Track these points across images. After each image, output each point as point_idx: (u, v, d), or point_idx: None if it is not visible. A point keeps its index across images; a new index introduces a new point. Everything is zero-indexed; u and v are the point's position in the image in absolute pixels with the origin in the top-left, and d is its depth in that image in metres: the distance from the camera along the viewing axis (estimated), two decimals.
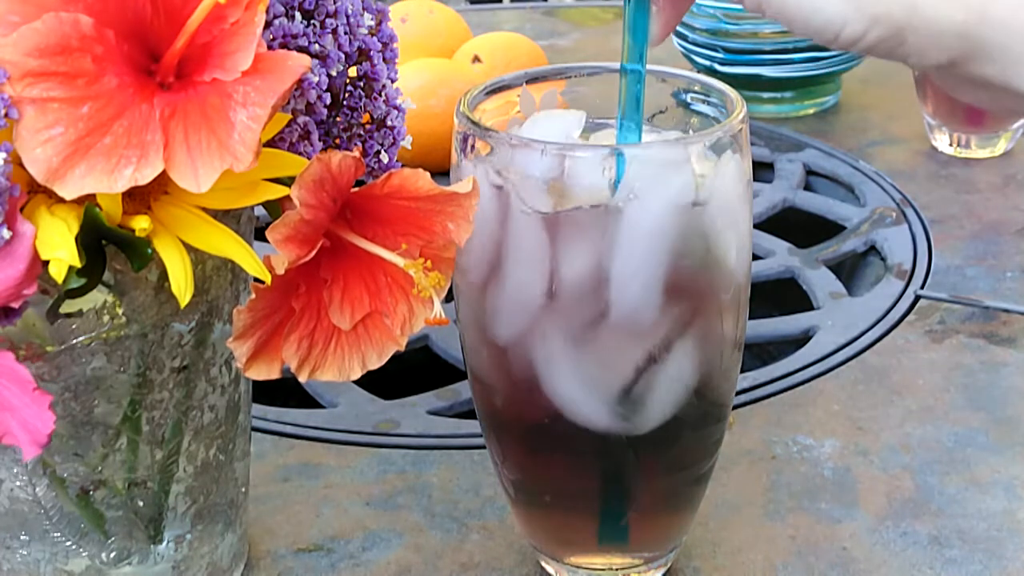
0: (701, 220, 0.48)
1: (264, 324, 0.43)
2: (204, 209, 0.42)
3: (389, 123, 0.48)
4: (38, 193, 0.39)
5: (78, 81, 0.37)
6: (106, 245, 0.41)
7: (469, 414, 0.68)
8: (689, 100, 0.53)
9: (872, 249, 0.87)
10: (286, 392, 0.69)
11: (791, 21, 0.45)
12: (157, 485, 0.49)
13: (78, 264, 0.38)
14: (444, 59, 1.03)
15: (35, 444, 0.38)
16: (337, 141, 0.47)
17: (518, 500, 0.55)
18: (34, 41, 0.37)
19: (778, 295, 0.84)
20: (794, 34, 0.46)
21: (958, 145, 0.99)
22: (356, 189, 0.43)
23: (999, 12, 0.43)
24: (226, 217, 0.45)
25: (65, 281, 0.38)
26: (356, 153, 0.42)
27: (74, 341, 0.44)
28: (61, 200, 0.39)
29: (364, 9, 0.47)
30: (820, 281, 0.82)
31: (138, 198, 0.41)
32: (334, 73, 0.45)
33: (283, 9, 0.44)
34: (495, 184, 0.48)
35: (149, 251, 0.41)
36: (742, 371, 0.58)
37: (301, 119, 0.44)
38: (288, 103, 0.44)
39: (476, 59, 1.03)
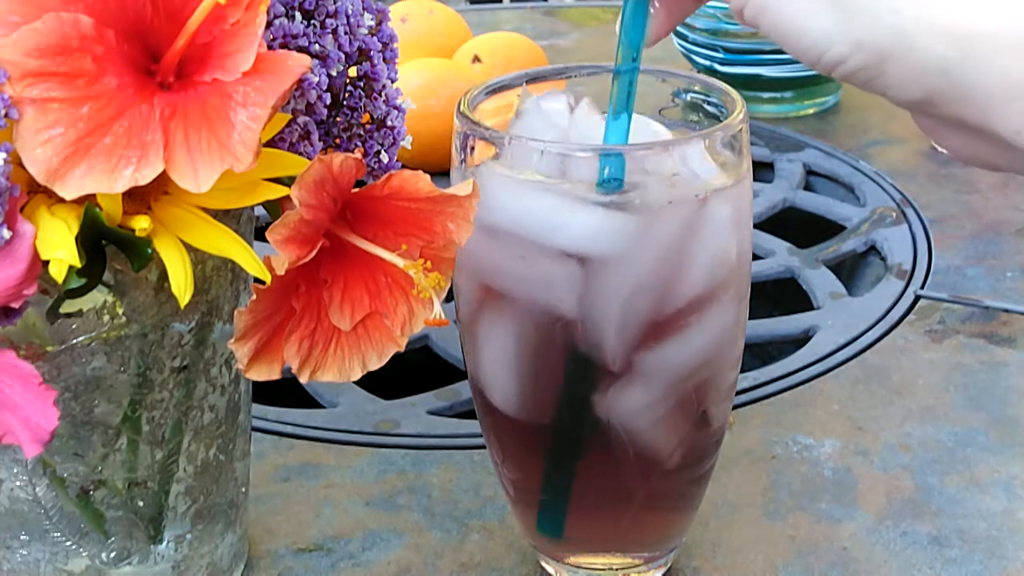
0: (701, 220, 0.48)
1: (265, 325, 0.43)
2: (204, 209, 0.42)
3: (389, 123, 0.48)
4: (38, 193, 0.39)
5: (78, 81, 0.37)
6: (106, 245, 0.41)
7: (469, 414, 0.68)
8: (689, 100, 0.53)
9: (872, 249, 0.87)
10: (286, 392, 0.69)
11: (782, 38, 0.45)
12: (157, 485, 0.49)
13: (78, 264, 0.38)
14: (444, 59, 1.02)
15: (37, 441, 0.38)
16: (337, 141, 0.47)
17: (518, 500, 0.55)
18: (34, 41, 0.37)
19: (778, 295, 0.84)
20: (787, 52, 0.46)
21: None
22: (356, 190, 0.43)
23: (983, 52, 0.42)
24: (226, 217, 0.45)
25: (65, 281, 0.38)
26: (357, 154, 0.42)
27: (74, 341, 0.44)
28: (61, 200, 0.39)
29: (364, 9, 0.47)
30: (820, 281, 0.82)
31: (138, 198, 0.41)
32: (334, 73, 0.45)
33: (283, 9, 0.44)
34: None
35: (149, 251, 0.41)
36: (742, 371, 0.58)
37: (301, 119, 0.44)
38: (288, 103, 0.44)
39: (476, 59, 1.03)
